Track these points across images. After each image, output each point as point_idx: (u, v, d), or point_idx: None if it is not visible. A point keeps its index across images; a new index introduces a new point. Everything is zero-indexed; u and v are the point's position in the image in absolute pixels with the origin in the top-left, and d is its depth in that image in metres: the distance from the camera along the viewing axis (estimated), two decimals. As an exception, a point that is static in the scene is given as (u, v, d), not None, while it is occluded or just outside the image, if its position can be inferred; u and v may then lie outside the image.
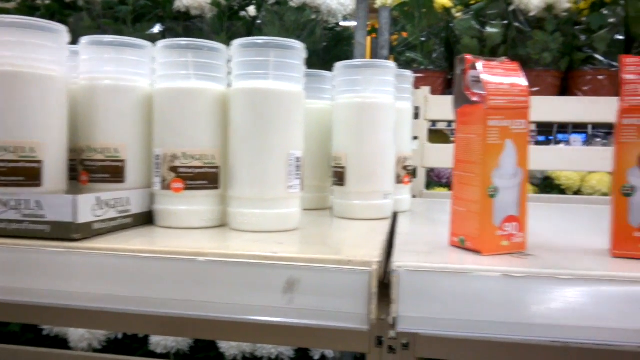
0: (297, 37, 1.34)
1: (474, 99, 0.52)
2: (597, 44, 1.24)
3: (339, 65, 0.73)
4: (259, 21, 1.43)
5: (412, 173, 0.81)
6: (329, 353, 1.40)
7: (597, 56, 1.25)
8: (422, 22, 1.34)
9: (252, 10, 1.48)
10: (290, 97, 0.60)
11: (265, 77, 0.60)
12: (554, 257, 0.52)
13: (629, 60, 0.51)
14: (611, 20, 1.24)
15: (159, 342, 1.42)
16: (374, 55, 1.40)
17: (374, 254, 0.49)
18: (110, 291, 0.51)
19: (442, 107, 1.18)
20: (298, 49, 0.61)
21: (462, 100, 0.54)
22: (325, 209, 0.78)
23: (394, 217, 0.76)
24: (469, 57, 0.53)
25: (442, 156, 1.18)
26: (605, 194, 1.29)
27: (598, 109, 1.14)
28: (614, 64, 1.23)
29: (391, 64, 0.72)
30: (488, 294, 0.46)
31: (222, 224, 0.63)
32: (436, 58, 1.34)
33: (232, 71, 0.61)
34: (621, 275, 0.45)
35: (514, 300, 0.45)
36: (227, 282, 0.49)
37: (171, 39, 0.62)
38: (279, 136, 0.59)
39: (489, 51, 1.30)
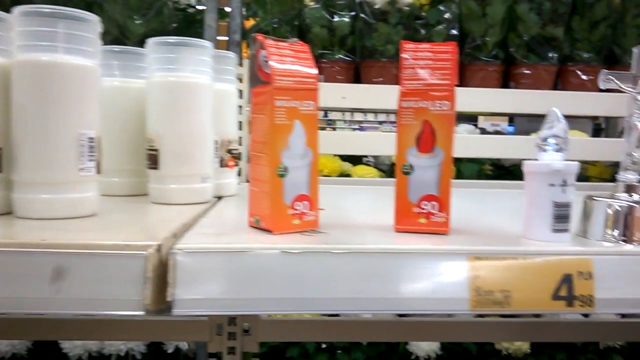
0: (143, 17, 1.27)
1: (264, 79, 0.52)
2: (435, 38, 1.32)
3: (151, 42, 0.69)
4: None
5: (238, 157, 0.80)
6: (184, 345, 1.36)
7: (435, 50, 1.33)
8: (274, 8, 1.33)
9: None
10: (81, 73, 0.56)
11: (52, 49, 0.55)
12: (343, 234, 0.54)
13: (408, 45, 0.54)
14: (447, 16, 1.32)
15: (-11, 347, 1.28)
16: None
17: (157, 238, 0.47)
18: None
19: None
20: (92, 21, 0.57)
21: (255, 81, 0.53)
22: (145, 195, 0.74)
23: (218, 201, 0.74)
24: (260, 37, 0.52)
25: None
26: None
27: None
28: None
29: (207, 43, 0.70)
30: (268, 271, 0.46)
31: (8, 211, 0.57)
32: (289, 45, 1.35)
33: (15, 42, 0.55)
34: (390, 248, 0.47)
35: (293, 275, 0.46)
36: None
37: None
38: (67, 114, 0.55)
39: (338, 41, 1.33)
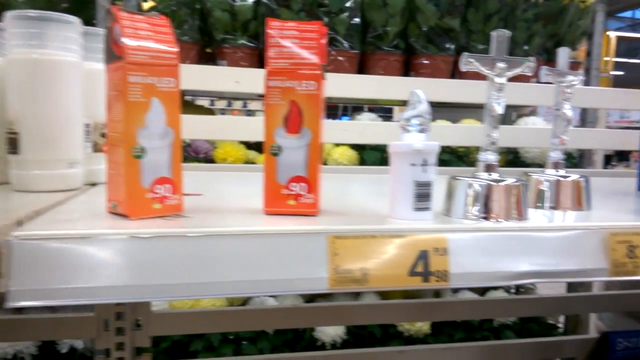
0: (26, -7, 1.18)
1: (118, 54, 0.49)
2: (337, 26, 1.33)
3: (10, 15, 0.63)
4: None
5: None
6: (79, 344, 1.29)
7: (339, 38, 1.34)
8: (173, -11, 1.28)
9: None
10: None
11: None
12: (209, 218, 0.52)
13: (274, 23, 0.53)
14: (349, 4, 1.33)
15: None
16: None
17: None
18: None
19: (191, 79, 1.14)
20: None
21: (110, 56, 0.50)
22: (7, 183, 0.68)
23: (90, 188, 0.70)
24: (114, 9, 0.49)
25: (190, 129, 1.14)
26: (347, 165, 1.40)
27: (340, 86, 1.23)
28: (353, 45, 1.33)
29: (75, 19, 0.65)
30: (115, 258, 0.43)
31: None
32: (189, 29, 1.30)
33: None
34: (247, 230, 0.46)
35: (142, 262, 0.44)
36: None
37: None
38: None
39: (241, 25, 1.30)
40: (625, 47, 9.08)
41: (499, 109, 0.55)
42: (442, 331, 1.43)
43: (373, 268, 0.47)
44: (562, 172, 0.64)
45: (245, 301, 1.41)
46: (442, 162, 1.55)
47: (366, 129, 1.23)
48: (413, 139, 0.52)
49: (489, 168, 0.57)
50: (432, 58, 1.36)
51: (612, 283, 1.72)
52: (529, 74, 0.55)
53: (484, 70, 0.55)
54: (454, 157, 1.54)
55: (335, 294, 1.49)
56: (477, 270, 0.49)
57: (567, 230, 0.52)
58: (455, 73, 1.41)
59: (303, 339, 1.41)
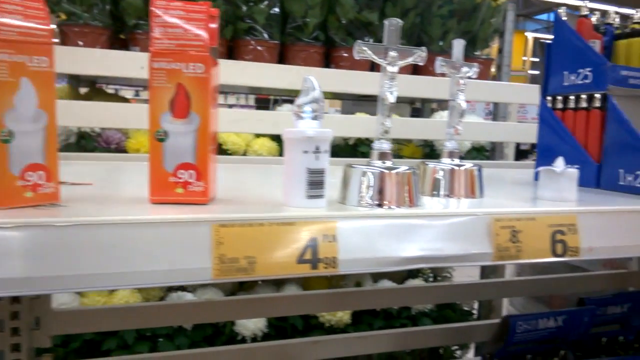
0: None
1: (-20, 28, 0.44)
2: (256, 15, 1.31)
3: None
4: None
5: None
6: None
7: (258, 27, 1.32)
8: (81, -30, 1.21)
9: None
10: None
11: None
12: (87, 207, 0.49)
13: (159, 2, 0.50)
14: (268, -6, 1.31)
15: None
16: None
17: None
18: None
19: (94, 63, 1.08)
20: None
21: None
22: None
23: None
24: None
25: (93, 115, 1.08)
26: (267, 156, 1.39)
27: (259, 75, 1.21)
28: (273, 35, 1.32)
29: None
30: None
31: None
32: (98, 13, 1.23)
33: None
34: (126, 219, 0.44)
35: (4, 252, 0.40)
36: None
37: None
38: None
39: (155, 11, 1.25)
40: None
41: (392, 98, 0.56)
42: (362, 320, 1.46)
43: (260, 257, 0.46)
44: (457, 161, 0.66)
45: (162, 297, 1.37)
46: (363, 155, 1.57)
47: (280, 119, 1.22)
48: (306, 125, 0.52)
49: (382, 156, 0.57)
50: (351, 51, 1.37)
51: (523, 269, 1.82)
52: (421, 64, 0.56)
53: (376, 59, 0.55)
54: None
55: (257, 286, 1.48)
56: (367, 256, 0.50)
57: (454, 217, 0.54)
58: (374, 66, 1.42)
59: (223, 334, 1.38)
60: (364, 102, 1.67)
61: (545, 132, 0.86)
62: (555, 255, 0.56)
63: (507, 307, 1.72)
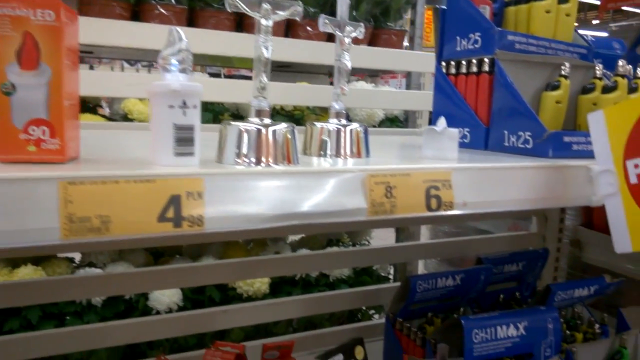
0: None
1: None
2: (163, -23, 1.24)
3: None
4: None
5: None
6: None
7: (164, -10, 1.25)
8: None
9: None
10: None
11: None
12: None
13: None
14: (174, -46, 1.25)
15: None
16: None
17: None
18: None
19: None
20: None
21: None
22: None
23: None
24: None
25: None
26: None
27: (153, 37, 1.15)
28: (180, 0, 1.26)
29: None
30: None
31: None
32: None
33: None
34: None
35: None
36: None
37: None
38: None
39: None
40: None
41: (266, 53, 0.54)
42: (282, 289, 1.46)
43: (115, 215, 0.44)
44: (343, 121, 0.66)
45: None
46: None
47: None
48: (172, 78, 0.50)
49: (260, 114, 0.56)
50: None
51: (437, 235, 1.89)
52: (297, 19, 0.55)
53: (249, 11, 0.54)
54: (291, 119, 1.56)
55: (174, 260, 1.45)
56: (235, 214, 0.49)
57: (330, 174, 0.54)
58: (288, 33, 1.40)
59: (136, 310, 1.34)
60: (283, 73, 1.65)
61: (440, 97, 0.88)
62: (430, 209, 0.58)
63: (422, 271, 1.79)
